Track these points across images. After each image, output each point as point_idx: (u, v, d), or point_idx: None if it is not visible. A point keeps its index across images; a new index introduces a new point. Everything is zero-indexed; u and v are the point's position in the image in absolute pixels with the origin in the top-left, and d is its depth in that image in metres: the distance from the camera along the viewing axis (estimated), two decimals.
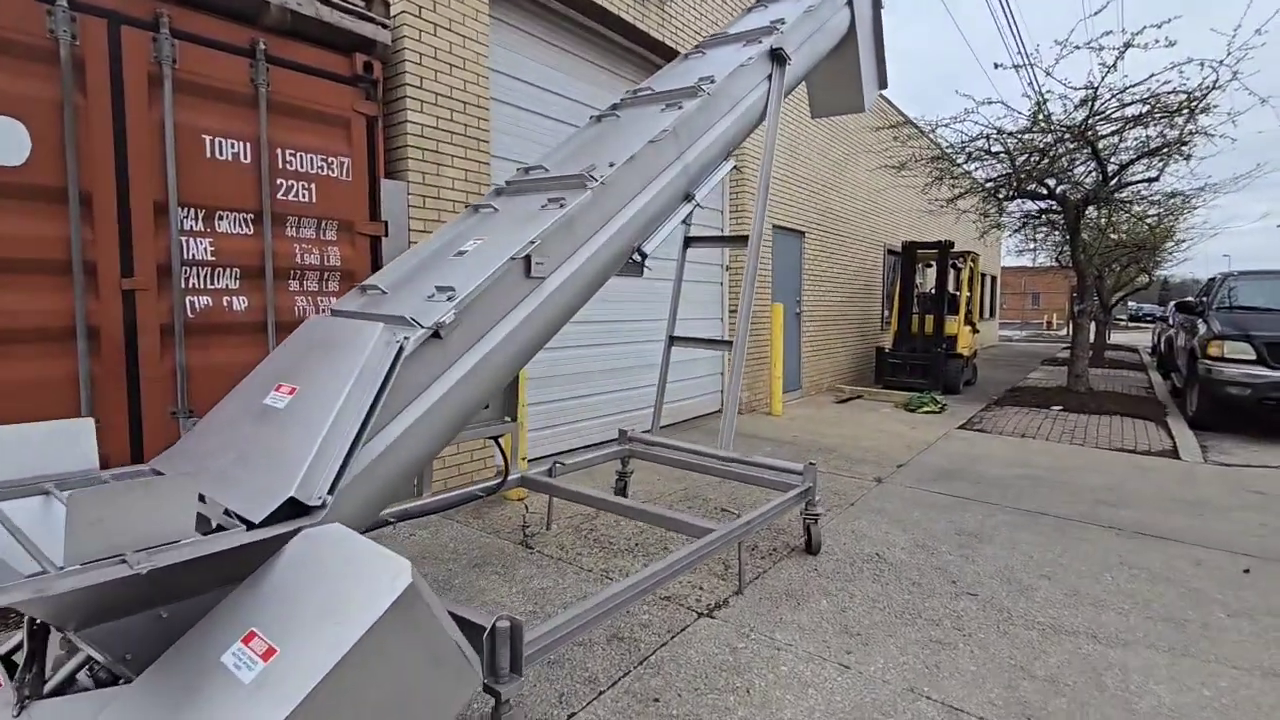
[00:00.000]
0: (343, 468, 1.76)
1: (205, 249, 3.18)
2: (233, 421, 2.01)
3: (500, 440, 3.55)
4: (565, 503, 4.23)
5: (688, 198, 3.36)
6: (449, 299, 2.16)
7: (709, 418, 7.56)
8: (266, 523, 1.60)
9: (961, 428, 7.35)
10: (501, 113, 4.72)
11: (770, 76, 4.03)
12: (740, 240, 4.21)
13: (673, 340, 4.34)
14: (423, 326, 2.07)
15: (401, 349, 2.00)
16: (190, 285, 3.14)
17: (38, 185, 2.69)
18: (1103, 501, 4.58)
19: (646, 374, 6.52)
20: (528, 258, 2.42)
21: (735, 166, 3.60)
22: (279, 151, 3.42)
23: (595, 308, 5.84)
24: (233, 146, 3.25)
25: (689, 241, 4.36)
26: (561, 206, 2.59)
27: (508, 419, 3.54)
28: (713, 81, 3.50)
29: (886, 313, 12.47)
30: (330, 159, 3.63)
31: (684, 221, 3.43)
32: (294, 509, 1.67)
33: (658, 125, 3.15)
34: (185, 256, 3.11)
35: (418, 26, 3.99)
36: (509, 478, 3.51)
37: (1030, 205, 10.86)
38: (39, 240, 2.70)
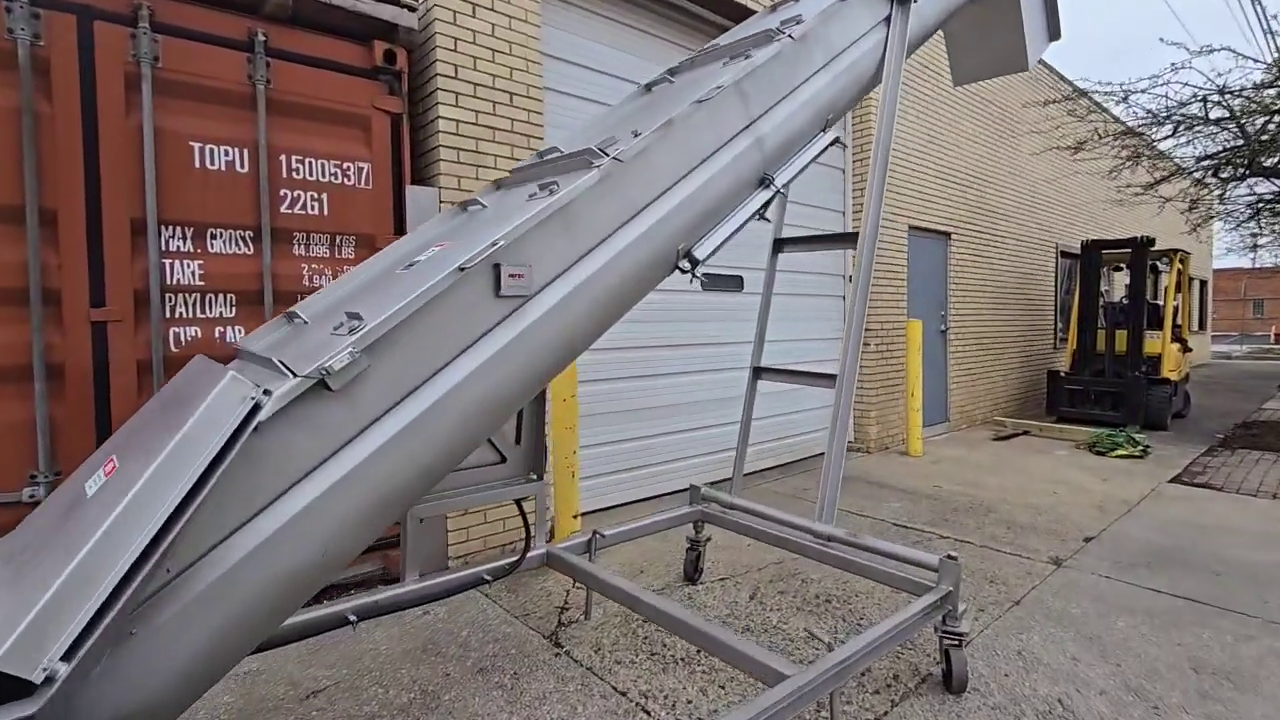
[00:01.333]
0: (100, 613, 1.11)
1: (193, 272, 2.80)
2: (45, 512, 1.45)
3: (524, 503, 2.86)
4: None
5: (763, 182, 2.49)
6: (351, 332, 1.48)
7: None
8: None
9: (1177, 480, 5.62)
10: (557, 104, 4.11)
11: (889, 19, 3.05)
12: (847, 240, 3.23)
13: (758, 373, 3.42)
14: (294, 375, 1.40)
15: (255, 409, 1.33)
16: (175, 315, 2.77)
17: None
18: None
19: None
20: (496, 268, 1.69)
21: (839, 142, 2.61)
22: (283, 158, 3.01)
23: (672, 327, 5.04)
24: (226, 154, 2.87)
25: (780, 245, 3.45)
26: (551, 193, 1.85)
27: (533, 476, 2.83)
28: (798, 23, 2.61)
29: (1061, 328, 10.44)
30: (346, 165, 3.17)
31: (761, 217, 2.56)
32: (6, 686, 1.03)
33: (716, 84, 2.32)
34: (168, 282, 2.75)
35: (451, 7, 3.47)
36: (530, 553, 2.80)
37: (1267, 186, 8.51)
38: None
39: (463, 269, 1.61)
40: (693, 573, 3.47)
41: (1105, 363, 8.43)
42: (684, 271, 2.26)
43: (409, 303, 1.52)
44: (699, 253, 2.28)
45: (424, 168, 3.55)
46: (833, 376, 2.91)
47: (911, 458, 6.50)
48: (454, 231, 2.08)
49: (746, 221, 2.46)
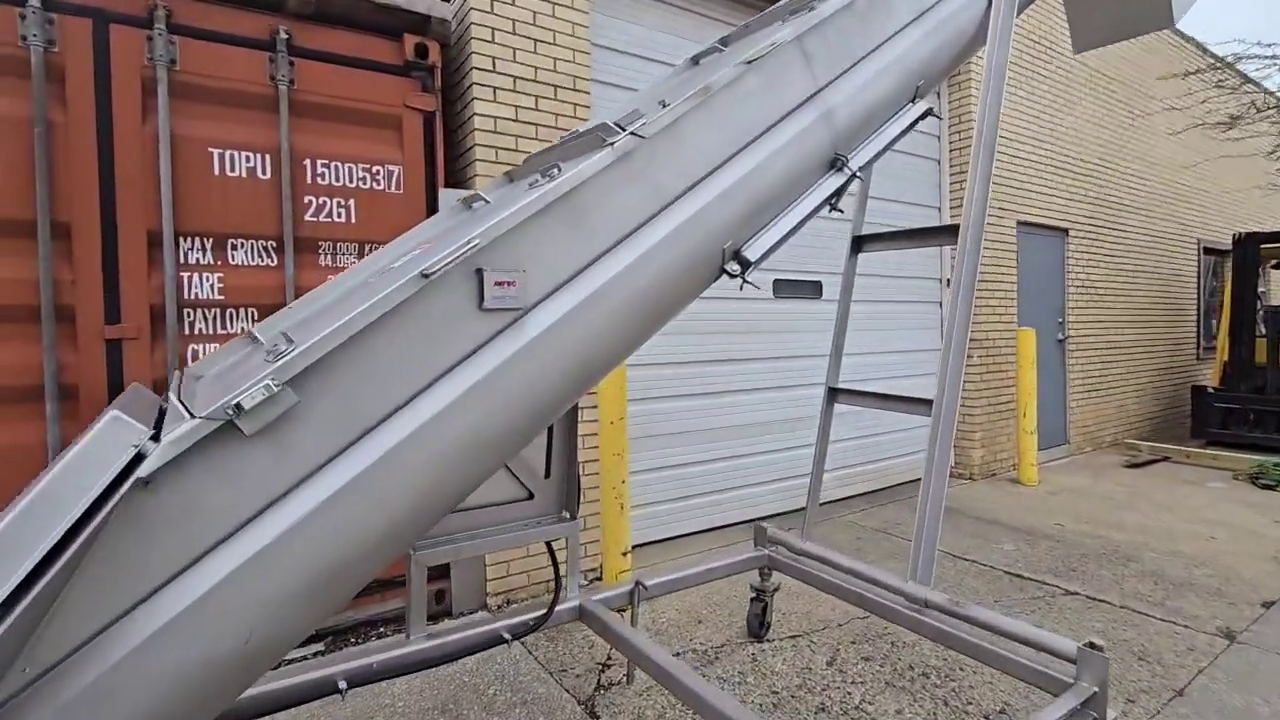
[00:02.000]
0: None
1: (213, 286, 2.65)
2: None
3: (555, 545, 2.50)
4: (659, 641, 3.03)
5: (834, 165, 2.04)
6: (276, 359, 1.16)
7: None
8: None
9: None
10: (607, 97, 3.78)
11: None
12: (945, 234, 2.69)
13: (835, 395, 2.92)
14: (192, 415, 1.09)
15: (138, 458, 1.04)
16: (194, 331, 2.62)
17: (3, 219, 2.31)
18: None
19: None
20: (479, 274, 1.35)
21: (932, 113, 2.09)
22: (307, 163, 2.83)
23: (735, 339, 4.58)
24: (248, 160, 2.71)
25: (859, 244, 2.93)
26: (551, 179, 1.48)
27: (565, 515, 2.47)
28: None
29: (1207, 336, 9.07)
30: (375, 168, 2.96)
31: (832, 208, 2.11)
32: None
33: (770, 41, 1.89)
34: (186, 296, 2.60)
35: None
36: (560, 605, 2.43)
37: None
38: (9, 285, 2.32)
39: (426, 275, 1.26)
40: (758, 628, 3.00)
41: (1266, 376, 7.17)
42: (732, 276, 1.84)
43: (350, 321, 1.20)
44: (750, 253, 1.86)
45: (460, 169, 3.31)
46: (928, 402, 2.39)
47: (1024, 487, 5.68)
48: (448, 231, 1.76)
49: (812, 214, 2.01)
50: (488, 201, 1.85)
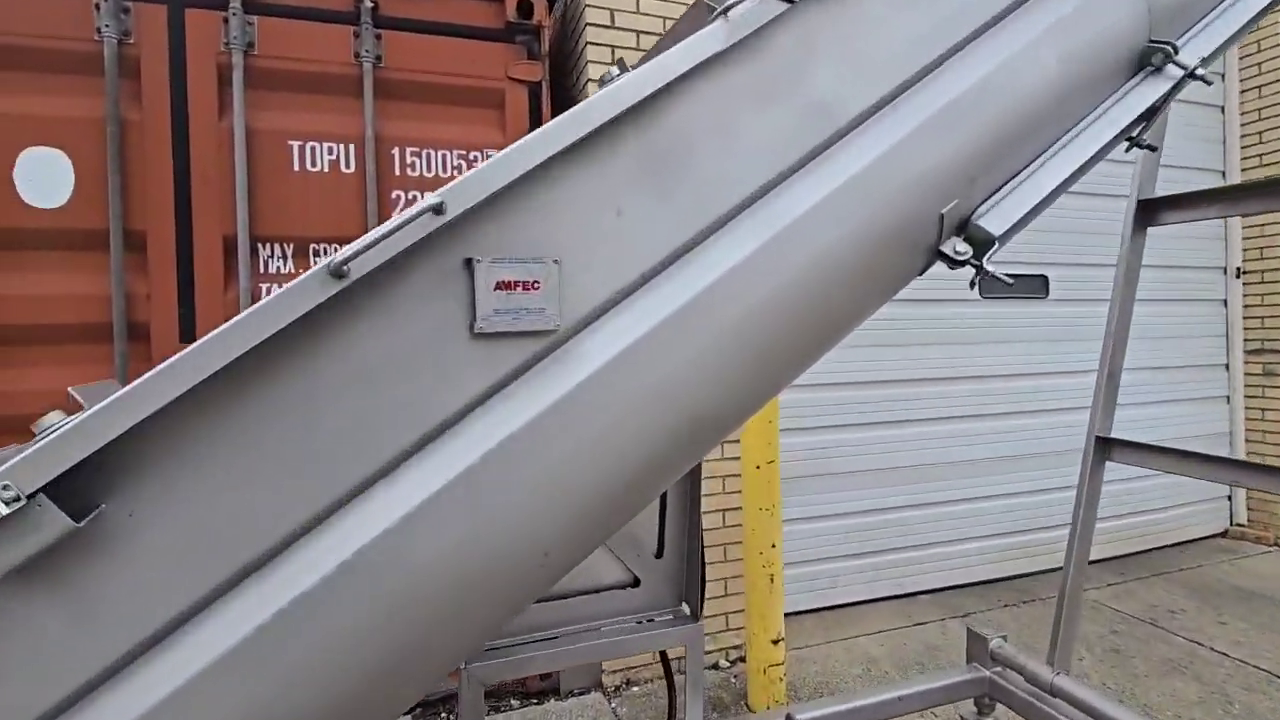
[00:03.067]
0: None
1: None
2: None
3: (668, 653, 1.82)
4: None
5: (1148, 62, 1.17)
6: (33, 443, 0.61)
7: (1210, 548, 4.20)
8: None
9: None
10: None
11: None
12: (1270, 190, 1.61)
13: (1105, 449, 1.92)
14: None
15: None
16: None
17: (79, 229, 2.15)
18: None
19: (1053, 465, 3.82)
20: (468, 267, 0.72)
21: None
22: (395, 152, 2.45)
23: (923, 353, 3.59)
24: (330, 151, 2.39)
25: (1150, 211, 1.90)
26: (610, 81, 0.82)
27: (684, 609, 1.78)
28: None
29: None
30: (473, 154, 2.54)
31: (1132, 142, 1.25)
32: None
33: None
34: None
35: None
36: None
37: None
38: (80, 300, 2.15)
39: (339, 273, 0.65)
40: None
41: None
42: (956, 263, 1.06)
43: (178, 361, 0.62)
44: (992, 223, 1.07)
45: None
46: (1252, 467, 1.37)
47: None
48: None
49: (1101, 153, 1.17)
50: None
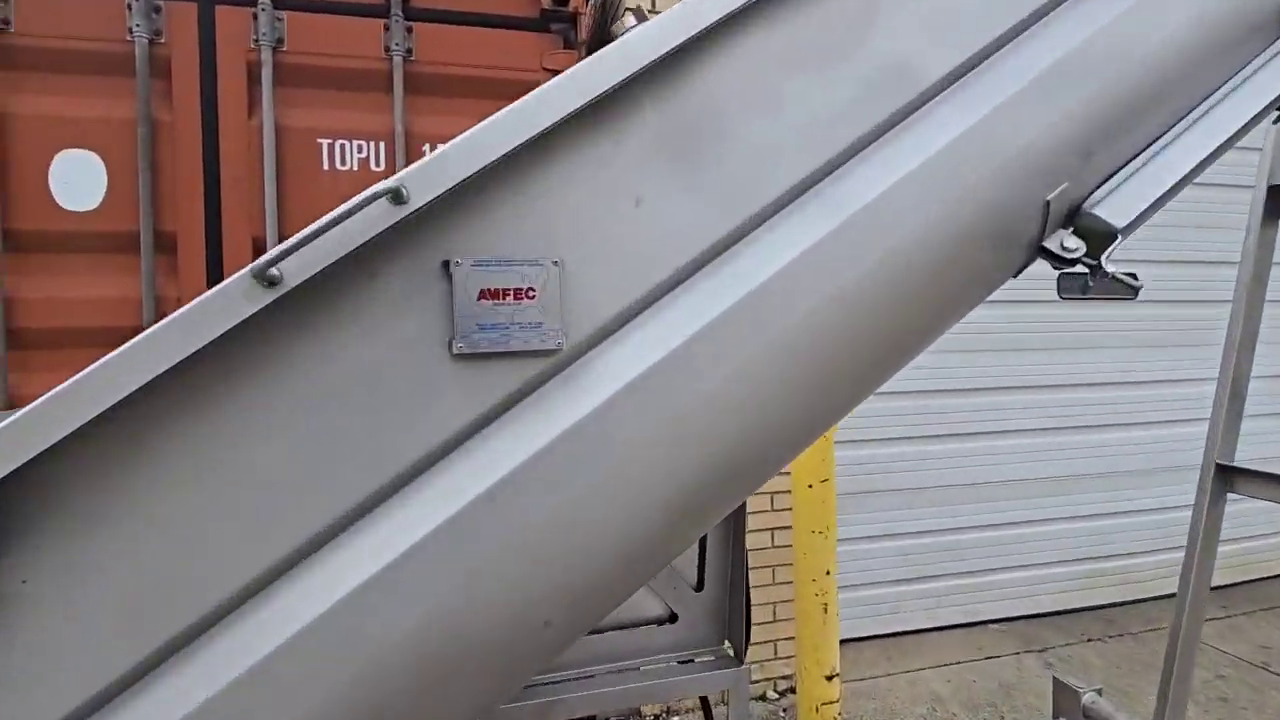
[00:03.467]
0: None
1: None
2: None
3: (712, 701, 1.65)
4: None
5: None
6: None
7: None
8: None
9: None
10: None
11: None
12: None
13: (1226, 476, 1.65)
14: None
15: None
16: None
17: (110, 232, 2.13)
18: None
19: (1142, 484, 3.47)
20: (445, 270, 0.57)
21: None
22: (427, 148, 2.37)
23: (988, 360, 3.30)
24: (360, 149, 2.32)
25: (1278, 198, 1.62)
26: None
27: (726, 648, 1.61)
28: None
29: None
30: None
31: None
32: None
33: None
34: None
35: None
36: None
37: None
38: (110, 303, 2.13)
39: (267, 278, 0.51)
40: None
41: None
42: (1064, 261, 0.87)
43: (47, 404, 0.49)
44: (1111, 213, 0.86)
45: None
46: None
47: None
48: None
49: (1253, 122, 0.94)
50: None
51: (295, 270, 0.51)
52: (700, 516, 0.78)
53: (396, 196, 0.53)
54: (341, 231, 0.52)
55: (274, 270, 0.50)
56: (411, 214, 0.54)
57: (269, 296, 0.51)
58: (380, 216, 0.54)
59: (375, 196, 0.52)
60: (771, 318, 0.70)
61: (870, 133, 0.77)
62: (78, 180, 2.12)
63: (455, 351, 0.60)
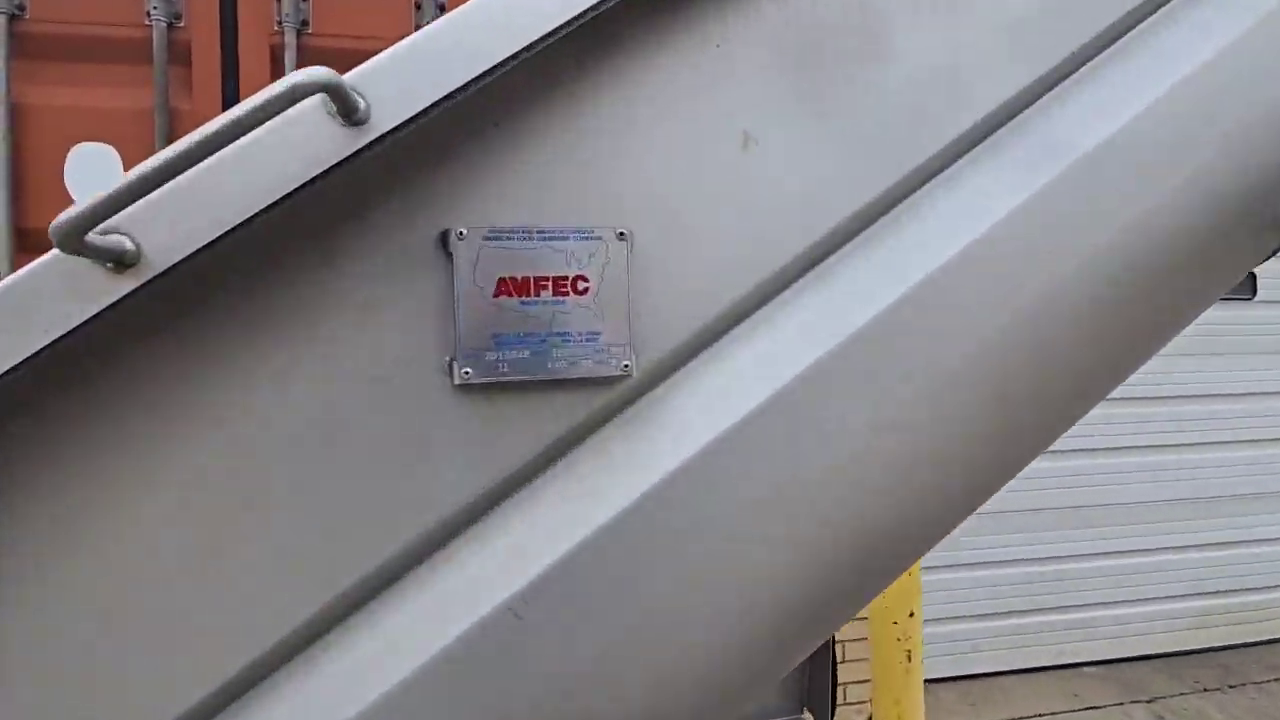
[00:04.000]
0: None
1: None
2: None
3: None
4: None
5: None
6: None
7: None
8: None
9: None
10: None
11: None
12: None
13: None
14: None
15: None
16: None
17: None
18: None
19: (1261, 509, 3.06)
20: (443, 242, 0.34)
21: None
22: None
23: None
24: None
25: None
26: None
27: (806, 717, 1.36)
28: None
29: None
30: None
31: None
32: None
33: None
34: None
35: None
36: None
37: None
38: None
39: (115, 261, 0.28)
40: None
41: None
42: None
43: None
44: None
45: None
46: None
47: None
48: None
49: None
50: None
51: (166, 241, 0.29)
52: (815, 623, 0.53)
53: (348, 110, 0.31)
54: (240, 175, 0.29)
55: (128, 243, 0.27)
56: (376, 141, 0.32)
57: (126, 284, 0.28)
58: (320, 144, 0.31)
59: (299, 94, 0.30)
60: (950, 325, 0.45)
61: (1081, 54, 0.51)
62: (93, 175, 2.00)
63: (458, 381, 0.37)
